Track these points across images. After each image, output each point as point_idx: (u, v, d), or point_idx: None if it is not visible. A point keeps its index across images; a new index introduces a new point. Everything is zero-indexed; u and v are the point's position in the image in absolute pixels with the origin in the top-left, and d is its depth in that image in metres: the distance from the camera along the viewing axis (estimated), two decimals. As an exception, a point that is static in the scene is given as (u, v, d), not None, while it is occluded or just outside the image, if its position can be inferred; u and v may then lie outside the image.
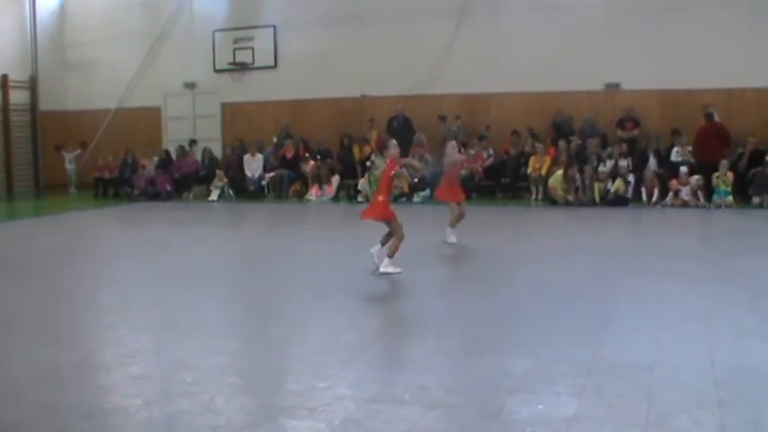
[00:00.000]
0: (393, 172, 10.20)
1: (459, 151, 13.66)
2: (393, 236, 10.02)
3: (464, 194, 13.25)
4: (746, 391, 5.35)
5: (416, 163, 12.75)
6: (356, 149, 22.20)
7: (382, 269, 9.83)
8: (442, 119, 21.84)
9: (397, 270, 9.81)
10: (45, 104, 26.07)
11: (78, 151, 25.61)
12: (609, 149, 19.98)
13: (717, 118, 19.14)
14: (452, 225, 12.55)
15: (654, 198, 18.43)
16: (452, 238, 12.39)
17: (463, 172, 13.73)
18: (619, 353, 6.27)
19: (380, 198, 10.16)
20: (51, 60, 26.36)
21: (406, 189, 19.79)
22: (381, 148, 10.71)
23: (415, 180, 19.45)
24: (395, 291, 9.35)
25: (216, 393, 5.39)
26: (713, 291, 8.75)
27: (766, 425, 4.76)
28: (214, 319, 7.94)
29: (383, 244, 10.11)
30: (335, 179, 21.49)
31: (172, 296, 9.12)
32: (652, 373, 5.67)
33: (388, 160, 10.37)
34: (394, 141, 10.59)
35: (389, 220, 10.05)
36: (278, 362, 6.36)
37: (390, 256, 9.89)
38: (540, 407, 5.06)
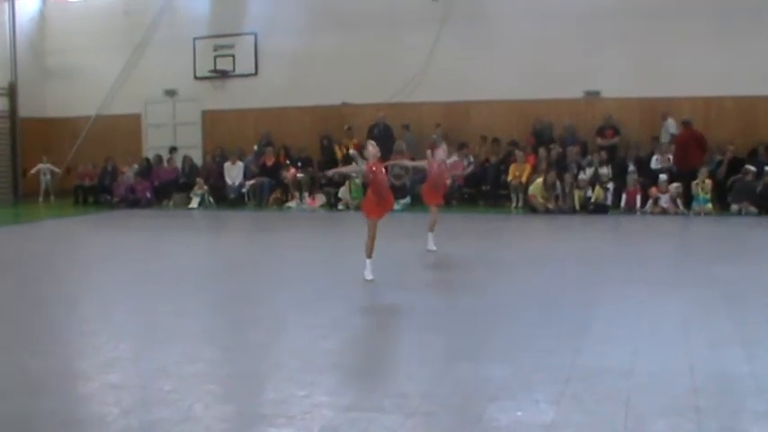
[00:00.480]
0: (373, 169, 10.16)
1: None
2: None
3: (442, 199, 13.33)
4: (724, 398, 5.38)
5: (407, 162, 12.40)
6: (337, 149, 22.15)
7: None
8: (406, 127, 21.90)
9: (369, 278, 9.86)
10: (24, 111, 25.88)
11: (58, 171, 25.27)
12: (589, 157, 20.07)
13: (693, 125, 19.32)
14: (431, 229, 12.54)
15: (637, 205, 18.51)
16: (432, 246, 12.39)
17: (448, 182, 13.77)
18: (597, 359, 6.29)
19: (368, 194, 10.30)
20: (31, 67, 26.22)
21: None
22: (361, 149, 10.75)
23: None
24: (374, 298, 9.34)
25: (194, 401, 5.36)
26: (692, 297, 8.79)
27: (743, 431, 4.78)
28: (193, 326, 7.91)
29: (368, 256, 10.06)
30: (320, 197, 21.43)
31: (152, 304, 9.08)
32: (630, 380, 5.69)
33: (367, 162, 10.32)
34: (372, 141, 10.61)
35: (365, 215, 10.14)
36: (257, 369, 6.34)
37: (366, 255, 9.96)
38: (519, 414, 5.06)
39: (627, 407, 5.11)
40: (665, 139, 20.37)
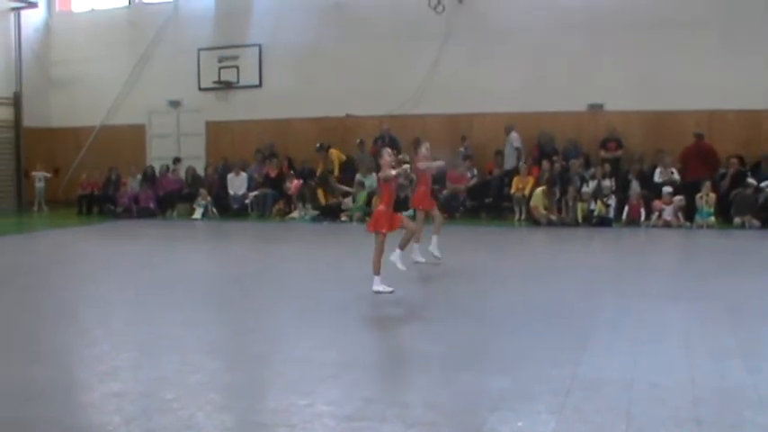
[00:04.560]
0: (382, 176, 10.02)
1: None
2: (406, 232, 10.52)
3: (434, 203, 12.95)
4: (725, 410, 5.37)
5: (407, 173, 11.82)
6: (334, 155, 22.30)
7: (392, 258, 10.20)
8: (361, 144, 22.00)
9: (388, 289, 9.79)
10: (29, 121, 25.99)
11: (49, 174, 25.45)
12: (592, 170, 20.07)
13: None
14: (418, 240, 12.11)
15: (641, 218, 18.51)
16: (419, 257, 12.15)
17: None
18: (598, 370, 6.29)
19: (381, 207, 10.08)
20: (36, 77, 26.37)
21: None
22: (376, 156, 10.63)
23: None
24: (376, 308, 9.33)
25: (196, 410, 5.37)
26: (694, 310, 8.79)
27: (744, 443, 4.79)
28: (196, 336, 7.92)
29: (401, 248, 10.54)
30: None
31: (154, 313, 9.08)
32: (631, 391, 5.69)
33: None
34: (388, 149, 10.47)
35: (397, 226, 10.18)
36: (258, 379, 6.35)
37: (401, 247, 10.45)
38: (519, 424, 5.06)
39: (627, 418, 5.12)
40: (508, 152, 21.10)
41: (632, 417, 5.14)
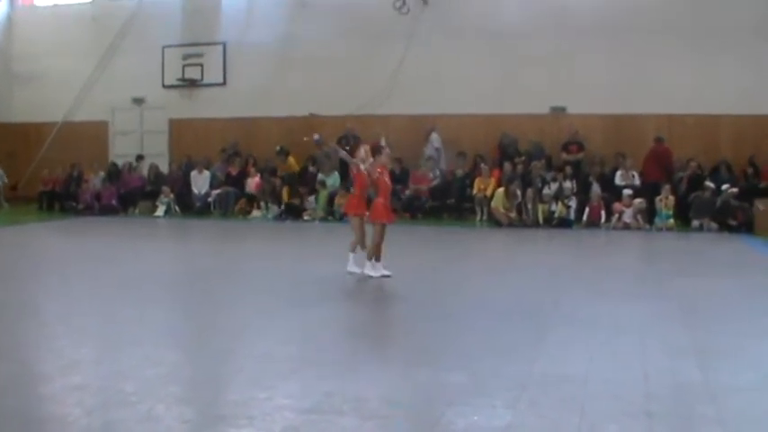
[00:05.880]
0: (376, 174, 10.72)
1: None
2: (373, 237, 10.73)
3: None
4: (676, 404, 5.50)
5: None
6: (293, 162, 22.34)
7: (364, 271, 10.57)
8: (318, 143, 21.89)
9: (387, 273, 10.57)
10: (-11, 116, 25.72)
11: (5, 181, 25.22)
12: (552, 172, 20.24)
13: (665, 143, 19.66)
14: (371, 252, 11.01)
15: (602, 220, 18.72)
16: (355, 268, 11.01)
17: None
18: (553, 367, 6.39)
19: (380, 200, 10.74)
20: (-3, 71, 26.08)
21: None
22: (374, 152, 10.85)
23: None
24: (336, 305, 9.40)
25: (156, 402, 5.40)
26: (649, 309, 8.93)
27: (693, 436, 4.91)
28: (156, 331, 7.92)
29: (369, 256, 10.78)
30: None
31: (114, 309, 9.05)
32: (585, 387, 5.79)
33: (378, 166, 10.80)
34: (388, 150, 11.00)
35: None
36: (218, 373, 6.39)
37: (369, 258, 10.61)
38: (475, 418, 5.14)
39: (581, 412, 5.22)
40: (429, 153, 21.44)
41: (586, 411, 5.24)
